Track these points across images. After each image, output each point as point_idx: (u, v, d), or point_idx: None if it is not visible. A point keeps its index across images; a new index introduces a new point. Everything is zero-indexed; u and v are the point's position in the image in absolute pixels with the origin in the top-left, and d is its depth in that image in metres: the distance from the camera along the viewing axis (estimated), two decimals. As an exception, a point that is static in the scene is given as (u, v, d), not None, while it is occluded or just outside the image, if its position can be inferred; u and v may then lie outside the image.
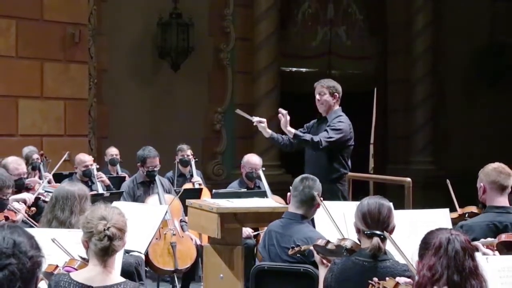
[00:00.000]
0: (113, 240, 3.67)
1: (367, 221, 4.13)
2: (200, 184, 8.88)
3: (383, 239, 4.08)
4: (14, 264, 2.36)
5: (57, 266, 4.03)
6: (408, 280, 3.64)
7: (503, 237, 4.57)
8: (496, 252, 4.44)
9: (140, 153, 8.12)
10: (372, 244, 4.06)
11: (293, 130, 6.74)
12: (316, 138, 6.69)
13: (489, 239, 4.64)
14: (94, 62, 11.13)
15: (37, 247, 2.47)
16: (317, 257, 4.67)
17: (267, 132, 6.95)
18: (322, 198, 5.29)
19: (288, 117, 6.75)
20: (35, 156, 8.72)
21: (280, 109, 6.83)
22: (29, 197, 6.32)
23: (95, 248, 3.67)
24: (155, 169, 8.03)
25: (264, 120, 6.94)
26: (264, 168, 8.34)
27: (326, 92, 6.97)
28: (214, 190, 7.74)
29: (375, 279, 3.68)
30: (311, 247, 4.70)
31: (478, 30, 15.21)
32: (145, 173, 8.04)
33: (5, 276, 2.35)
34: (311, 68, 14.07)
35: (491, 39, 15.50)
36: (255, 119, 6.89)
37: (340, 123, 6.86)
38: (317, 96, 6.98)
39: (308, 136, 6.74)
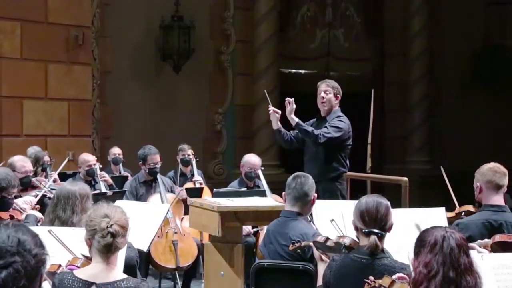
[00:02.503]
0: (116, 237, 3.71)
1: (365, 219, 4.16)
2: (201, 184, 8.89)
3: (381, 237, 4.13)
4: (19, 262, 2.37)
5: (60, 266, 4.06)
6: (402, 275, 3.65)
7: (497, 237, 4.63)
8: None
9: (140, 152, 8.20)
10: (370, 242, 4.10)
11: (296, 119, 6.83)
12: (316, 131, 6.79)
13: (485, 240, 4.69)
14: (97, 64, 11.16)
15: (41, 245, 2.48)
16: (316, 253, 4.74)
17: (277, 124, 7.06)
18: (316, 195, 5.40)
19: (294, 106, 6.86)
20: (46, 158, 8.81)
21: (287, 98, 6.93)
22: (31, 200, 6.27)
23: (98, 245, 3.71)
24: (157, 166, 8.09)
25: (280, 112, 7.03)
26: (263, 168, 8.38)
27: (331, 92, 7.09)
28: (215, 189, 7.74)
29: (371, 278, 3.69)
30: (311, 243, 4.77)
31: (473, 32, 15.29)
32: (147, 171, 8.10)
33: (9, 273, 2.35)
34: (310, 69, 14.12)
35: (486, 41, 15.60)
36: (272, 108, 7.01)
37: (340, 122, 6.96)
38: (322, 94, 7.07)
39: (310, 128, 6.84)
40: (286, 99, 6.94)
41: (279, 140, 7.44)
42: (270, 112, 7.03)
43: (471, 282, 3.32)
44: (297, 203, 5.32)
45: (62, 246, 4.26)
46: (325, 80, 7.25)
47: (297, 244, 4.90)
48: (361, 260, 4.11)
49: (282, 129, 7.16)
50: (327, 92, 7.08)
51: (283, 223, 5.33)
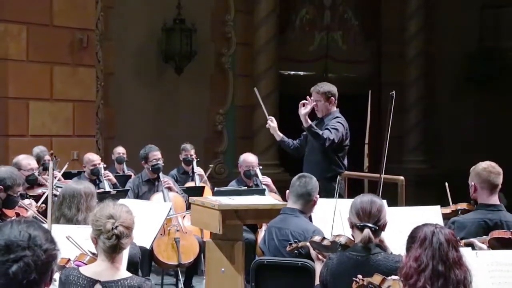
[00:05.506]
0: (121, 238, 3.74)
1: (359, 215, 4.22)
2: (201, 176, 9.04)
3: (374, 232, 4.19)
4: (29, 256, 2.42)
5: (69, 260, 4.15)
6: (396, 277, 3.67)
7: (495, 233, 4.71)
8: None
9: (141, 152, 8.31)
10: (363, 235, 4.16)
11: (309, 121, 6.92)
12: (325, 135, 6.86)
13: (484, 236, 4.74)
14: (101, 66, 11.22)
15: (52, 241, 2.52)
16: (313, 253, 4.80)
17: (278, 135, 7.23)
18: (318, 196, 5.51)
19: (309, 109, 6.94)
20: (47, 157, 8.83)
21: (308, 98, 7.00)
22: (31, 201, 6.38)
23: (103, 245, 3.75)
24: (159, 162, 8.13)
25: (273, 118, 7.25)
26: (261, 167, 8.42)
27: (321, 99, 7.15)
28: (216, 188, 7.88)
29: (360, 276, 3.76)
30: (308, 244, 4.85)
31: (468, 35, 15.41)
32: (150, 169, 8.15)
33: (20, 267, 2.40)
34: (309, 71, 14.18)
35: (480, 44, 15.69)
36: (268, 122, 7.22)
37: (338, 124, 7.03)
38: (314, 103, 7.11)
39: (320, 131, 6.90)
40: (307, 98, 7.00)
41: (286, 149, 7.53)
42: (268, 126, 7.28)
43: (460, 275, 3.42)
44: (299, 200, 5.45)
45: (77, 247, 4.31)
46: (315, 87, 7.24)
47: (294, 245, 5.01)
48: (357, 257, 4.17)
49: (285, 138, 7.28)
50: (318, 100, 7.15)
51: (284, 219, 5.45)
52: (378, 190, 6.61)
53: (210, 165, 8.83)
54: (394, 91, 6.82)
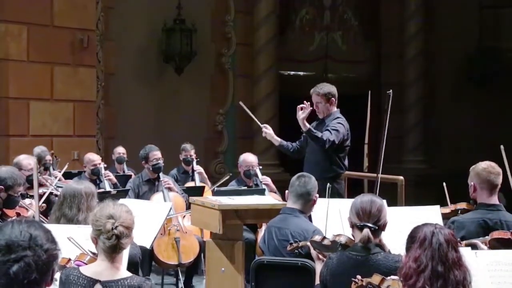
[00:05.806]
0: (121, 238, 3.74)
1: (359, 215, 4.23)
2: (201, 174, 9.07)
3: (374, 231, 4.19)
4: (30, 256, 2.43)
5: (69, 260, 4.15)
6: (395, 277, 3.67)
7: (495, 234, 4.76)
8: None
9: (141, 152, 8.31)
10: (362, 234, 4.16)
11: (308, 125, 6.88)
12: (324, 137, 6.85)
13: (486, 237, 4.77)
14: (101, 66, 11.25)
15: (53, 240, 2.53)
16: (313, 253, 4.81)
17: (276, 140, 7.23)
18: (318, 195, 5.51)
19: (306, 113, 6.90)
20: (48, 157, 8.93)
21: (305, 102, 6.96)
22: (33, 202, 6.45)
23: (103, 245, 3.74)
24: (159, 161, 8.14)
25: (267, 126, 7.28)
26: (261, 167, 8.42)
27: (322, 101, 7.13)
28: (216, 188, 7.91)
29: (359, 276, 3.76)
30: (308, 243, 4.86)
31: (467, 35, 15.43)
32: (151, 169, 8.15)
33: (21, 267, 2.41)
34: (309, 71, 14.22)
35: (479, 45, 15.73)
36: (264, 130, 7.26)
37: (339, 124, 7.01)
38: (314, 105, 7.11)
39: (319, 133, 6.90)
40: (304, 103, 6.96)
41: (286, 153, 7.52)
42: (263, 135, 7.29)
43: (459, 276, 3.43)
44: (299, 200, 5.45)
45: (78, 248, 4.31)
46: (315, 89, 7.21)
47: (294, 245, 5.00)
48: (356, 257, 4.18)
49: (284, 142, 7.28)
50: (318, 101, 7.14)
51: (284, 219, 5.45)
52: (375, 189, 6.63)
53: (228, 174, 8.85)
54: (391, 90, 6.83)
